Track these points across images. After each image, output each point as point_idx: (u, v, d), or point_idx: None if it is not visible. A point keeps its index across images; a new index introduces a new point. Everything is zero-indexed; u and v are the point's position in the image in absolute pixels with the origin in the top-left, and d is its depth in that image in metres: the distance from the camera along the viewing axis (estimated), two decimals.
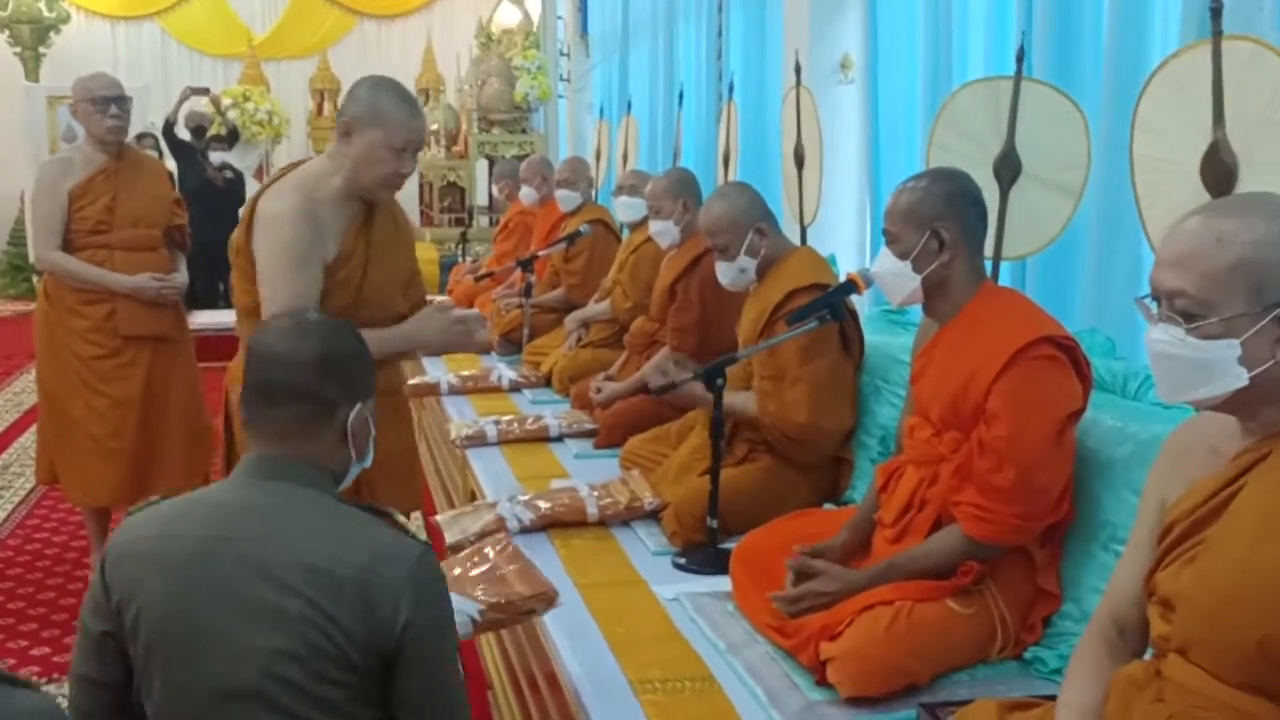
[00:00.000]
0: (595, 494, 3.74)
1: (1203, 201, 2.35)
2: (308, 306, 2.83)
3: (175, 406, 4.68)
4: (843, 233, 5.48)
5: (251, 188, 11.85)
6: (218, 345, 8.78)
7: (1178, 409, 2.38)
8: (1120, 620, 1.95)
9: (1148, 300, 1.75)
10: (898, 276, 2.76)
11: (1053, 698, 1.98)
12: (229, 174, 10.98)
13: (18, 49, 13.50)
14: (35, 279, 12.09)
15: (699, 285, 4.42)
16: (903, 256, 2.73)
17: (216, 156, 11.01)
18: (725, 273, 3.77)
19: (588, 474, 4.08)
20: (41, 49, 13.57)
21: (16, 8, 13.24)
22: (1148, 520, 1.92)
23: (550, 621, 2.89)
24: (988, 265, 3.34)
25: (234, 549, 1.79)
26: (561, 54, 11.83)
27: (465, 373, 5.77)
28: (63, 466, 4.66)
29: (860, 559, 2.79)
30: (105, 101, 4.43)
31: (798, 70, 4.72)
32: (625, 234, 6.03)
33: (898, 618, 2.50)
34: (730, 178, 5.66)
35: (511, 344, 6.39)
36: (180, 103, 10.81)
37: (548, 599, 2.61)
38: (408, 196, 13.60)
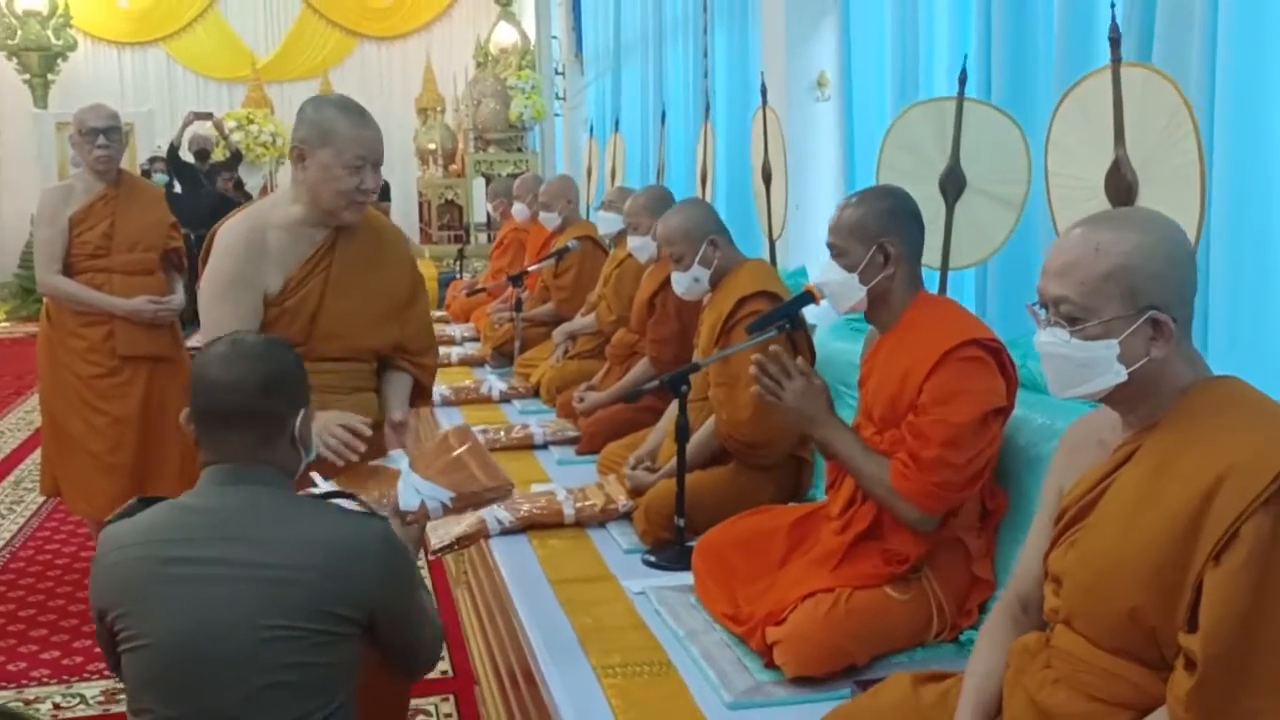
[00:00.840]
0: (572, 497, 3.94)
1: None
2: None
3: (171, 423, 4.82)
4: (820, 245, 5.66)
5: None
6: None
7: (1097, 407, 2.57)
8: (1024, 598, 2.15)
9: (1037, 307, 1.95)
10: (844, 287, 2.94)
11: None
12: (235, 188, 11.22)
13: (26, 76, 13.74)
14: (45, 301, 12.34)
15: (676, 299, 4.60)
16: (850, 269, 2.91)
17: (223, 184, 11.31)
18: (679, 281, 3.98)
19: (569, 479, 4.28)
20: (50, 76, 13.82)
21: (25, 35, 13.51)
22: (1047, 507, 2.12)
23: (525, 614, 3.10)
24: (935, 275, 3.55)
25: (221, 550, 2.00)
26: (557, 73, 12.06)
27: (458, 385, 5.97)
28: (65, 480, 4.85)
29: (806, 548, 2.98)
30: (94, 133, 4.61)
31: (763, 91, 4.91)
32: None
33: (837, 603, 2.70)
34: (708, 195, 5.86)
35: (503, 357, 6.59)
36: (183, 128, 11.08)
37: (505, 490, 2.80)
38: (407, 214, 13.85)
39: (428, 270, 10.96)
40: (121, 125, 4.76)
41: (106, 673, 4.07)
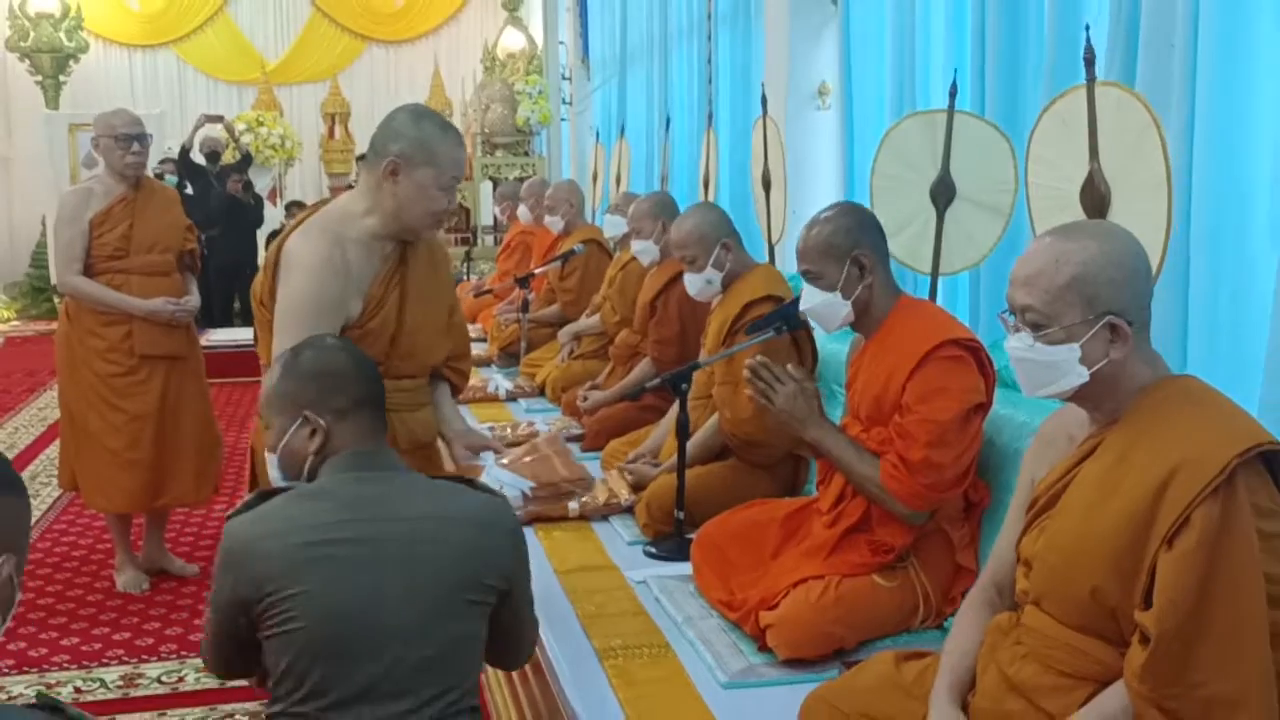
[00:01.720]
0: (576, 491, 4.08)
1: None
2: None
3: (187, 420, 4.97)
4: None
5: (267, 209, 12.28)
6: (232, 361, 9.19)
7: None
8: (999, 581, 2.29)
9: (1006, 314, 2.10)
10: (830, 307, 3.07)
11: None
12: (244, 189, 11.39)
13: (39, 78, 13.87)
14: (56, 300, 12.49)
15: (677, 301, 4.76)
16: (830, 289, 3.05)
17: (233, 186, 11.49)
18: (693, 283, 4.12)
19: None
20: (62, 78, 13.94)
21: (37, 37, 13.64)
22: (1020, 497, 2.27)
23: None
24: (927, 280, 3.70)
25: (372, 530, 2.13)
26: (564, 78, 12.21)
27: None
28: (83, 476, 4.97)
29: (799, 539, 3.13)
30: (128, 139, 4.75)
31: (764, 101, 5.06)
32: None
33: (826, 590, 2.86)
34: (710, 200, 6.01)
35: (510, 357, 6.74)
36: (195, 130, 11.24)
37: (584, 484, 2.97)
38: None
39: None
40: (147, 131, 4.89)
41: (125, 658, 4.23)
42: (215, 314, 10.94)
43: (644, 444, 4.29)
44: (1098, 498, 1.97)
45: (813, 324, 3.25)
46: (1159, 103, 3.02)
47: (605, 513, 4.02)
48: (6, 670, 4.13)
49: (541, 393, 5.97)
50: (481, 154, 11.99)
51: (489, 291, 7.82)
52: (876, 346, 3.05)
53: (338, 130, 15.28)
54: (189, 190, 10.71)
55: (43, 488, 6.52)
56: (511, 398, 6.00)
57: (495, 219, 10.55)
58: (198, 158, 11.43)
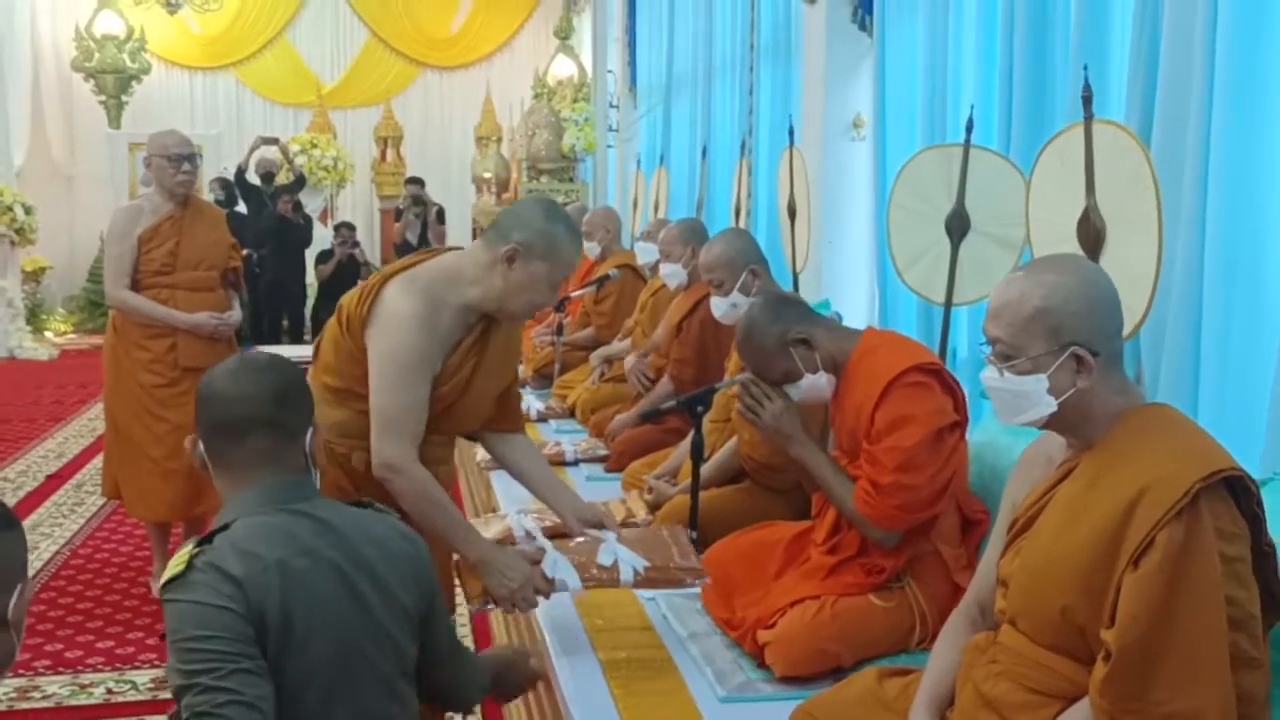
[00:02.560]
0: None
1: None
2: (419, 420, 2.86)
3: None
4: (853, 280, 5.90)
5: (317, 230, 12.50)
6: None
7: None
8: (982, 602, 2.36)
9: (983, 346, 2.18)
10: (812, 391, 3.21)
11: None
12: (294, 209, 11.63)
13: (102, 98, 14.18)
14: (112, 314, 12.77)
15: (700, 323, 4.85)
16: (800, 378, 3.19)
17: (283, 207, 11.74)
18: (718, 306, 4.21)
19: (594, 494, 4.49)
20: (124, 98, 14.24)
21: (102, 58, 13.97)
22: (1003, 519, 2.34)
23: (540, 615, 3.34)
24: (940, 310, 3.77)
25: (352, 559, 2.01)
26: (611, 106, 12.36)
27: None
28: (125, 484, 5.11)
29: (800, 562, 3.20)
30: (179, 159, 4.91)
31: (790, 133, 5.15)
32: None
33: (823, 609, 2.94)
34: (743, 228, 6.10)
35: (544, 378, 6.86)
36: (251, 151, 11.50)
37: (696, 573, 3.08)
38: (461, 239, 14.20)
39: None
40: (197, 151, 5.05)
41: (157, 662, 4.35)
42: (264, 330, 11.15)
43: (664, 464, 4.38)
44: (1069, 519, 2.04)
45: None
46: (1176, 139, 3.09)
47: None
48: (43, 670, 4.26)
49: (572, 414, 6.07)
50: (526, 179, 12.15)
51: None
52: (847, 382, 3.16)
53: (389, 154, 15.52)
54: (242, 209, 10.93)
55: (88, 496, 6.69)
56: (543, 418, 6.10)
57: None
58: (253, 178, 11.68)
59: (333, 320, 3.01)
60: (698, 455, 3.72)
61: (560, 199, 11.59)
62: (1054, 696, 2.06)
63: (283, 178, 12.32)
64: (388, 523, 2.15)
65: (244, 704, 1.79)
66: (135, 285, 4.96)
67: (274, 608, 1.88)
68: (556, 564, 3.03)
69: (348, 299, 3.00)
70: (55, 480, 7.07)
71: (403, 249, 12.34)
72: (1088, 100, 2.88)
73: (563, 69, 13.28)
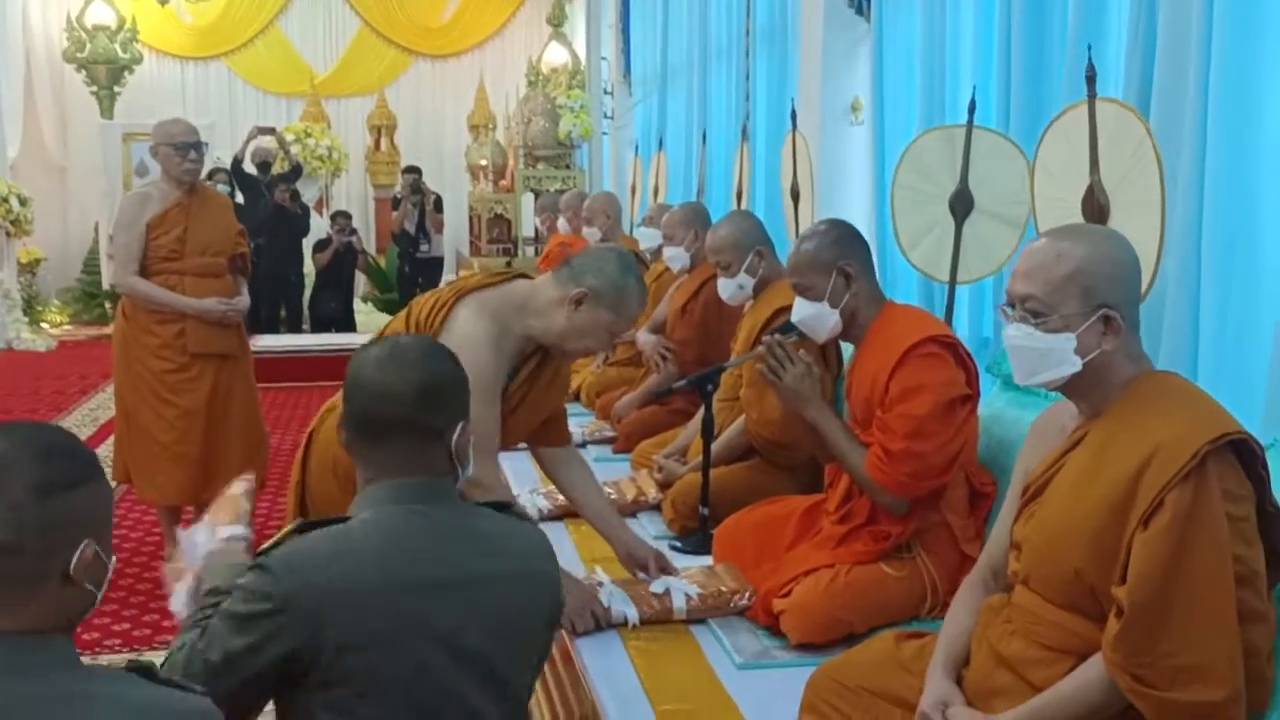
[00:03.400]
0: (608, 490, 4.24)
1: None
2: (496, 435, 2.95)
3: (236, 416, 5.18)
4: None
5: (313, 219, 12.52)
6: (276, 366, 9.42)
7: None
8: (995, 566, 2.44)
9: (1006, 307, 2.25)
10: (818, 318, 3.26)
11: None
12: (291, 199, 11.67)
13: (94, 88, 14.18)
14: (107, 305, 12.82)
15: (703, 305, 4.93)
16: (818, 299, 3.24)
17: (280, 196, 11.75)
18: (725, 288, 4.27)
19: (604, 474, 4.57)
20: (116, 88, 14.25)
21: (94, 49, 13.97)
22: (1015, 486, 2.42)
23: None
24: (945, 288, 3.85)
25: (466, 569, 1.95)
26: (606, 92, 12.41)
27: None
28: (135, 468, 5.18)
29: (812, 534, 3.28)
30: (185, 147, 4.98)
31: (793, 116, 5.22)
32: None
33: (836, 578, 3.01)
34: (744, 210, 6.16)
35: None
36: (248, 141, 11.53)
37: (745, 594, 3.19)
38: (458, 226, 14.25)
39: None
40: (202, 139, 5.11)
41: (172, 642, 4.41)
42: (261, 320, 11.20)
43: (673, 443, 4.46)
44: (1082, 484, 2.12)
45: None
46: (1174, 118, 3.16)
47: (633, 509, 4.19)
48: None
49: (577, 398, 6.14)
50: (523, 167, 12.20)
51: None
52: (863, 352, 3.24)
53: (383, 142, 15.56)
54: (239, 199, 10.97)
55: None
56: None
57: (535, 230, 10.73)
58: (249, 167, 11.72)
59: (400, 320, 3.12)
60: (708, 433, 3.80)
61: (557, 186, 11.66)
62: (1067, 653, 2.13)
63: (278, 167, 12.35)
64: (523, 536, 2.10)
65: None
66: (144, 272, 5.02)
67: (323, 632, 1.85)
68: (613, 595, 3.17)
69: (419, 304, 3.10)
70: None
71: (401, 238, 12.40)
72: (1091, 79, 2.96)
73: (556, 56, 13.31)
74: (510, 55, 16.19)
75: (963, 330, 4.32)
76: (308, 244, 12.23)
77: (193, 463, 5.08)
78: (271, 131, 12.06)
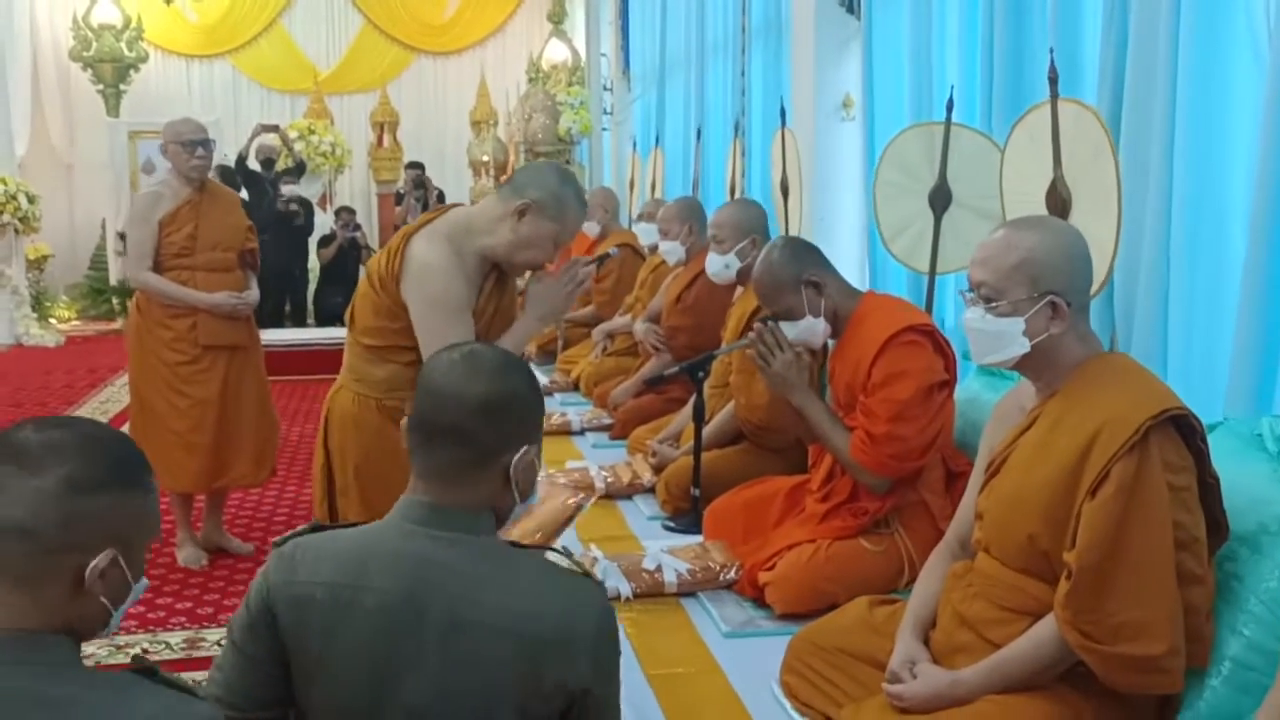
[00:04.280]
0: (604, 473, 4.43)
1: None
2: None
3: (247, 406, 5.34)
4: (845, 254, 6.12)
5: (317, 216, 12.69)
6: (282, 360, 9.59)
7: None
8: (962, 536, 2.62)
9: (966, 292, 2.43)
10: (809, 331, 3.45)
11: None
12: (294, 206, 11.83)
13: (100, 86, 14.32)
14: (114, 300, 12.99)
15: (695, 295, 5.11)
16: (800, 317, 3.43)
17: (287, 190, 11.88)
18: (713, 263, 4.43)
19: (601, 459, 4.78)
20: (122, 86, 14.39)
21: (99, 48, 14.13)
22: (980, 463, 2.60)
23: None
24: (924, 279, 4.02)
25: (428, 605, 1.75)
26: (605, 89, 12.57)
27: None
28: (150, 457, 5.28)
29: (797, 512, 3.46)
30: (193, 144, 5.14)
31: (782, 114, 5.38)
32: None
33: (818, 551, 3.20)
34: None
35: (548, 354, 7.12)
36: (252, 138, 11.69)
37: (736, 567, 3.37)
38: None
39: None
40: (210, 137, 5.28)
41: (187, 624, 4.59)
42: (267, 315, 11.35)
43: (667, 429, 4.64)
44: (1036, 458, 2.30)
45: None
46: (1144, 115, 3.31)
47: (629, 492, 4.38)
48: None
49: (576, 388, 6.32)
50: (524, 162, 12.38)
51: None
52: (846, 341, 3.42)
53: (386, 139, 15.71)
54: (244, 196, 11.12)
55: None
56: (547, 392, 6.34)
57: None
58: (253, 164, 11.88)
59: (364, 285, 3.20)
60: (699, 417, 3.97)
61: None
62: (1023, 613, 2.31)
63: (282, 164, 12.51)
64: (536, 591, 1.79)
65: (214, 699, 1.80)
66: (157, 267, 5.17)
67: (298, 631, 1.80)
68: (607, 571, 3.34)
69: (374, 262, 3.19)
70: None
71: None
72: (1054, 80, 3.13)
73: (556, 53, 13.47)
74: (511, 52, 16.35)
75: (946, 318, 4.49)
76: (312, 240, 12.39)
77: (206, 451, 5.24)
78: (275, 129, 12.23)
